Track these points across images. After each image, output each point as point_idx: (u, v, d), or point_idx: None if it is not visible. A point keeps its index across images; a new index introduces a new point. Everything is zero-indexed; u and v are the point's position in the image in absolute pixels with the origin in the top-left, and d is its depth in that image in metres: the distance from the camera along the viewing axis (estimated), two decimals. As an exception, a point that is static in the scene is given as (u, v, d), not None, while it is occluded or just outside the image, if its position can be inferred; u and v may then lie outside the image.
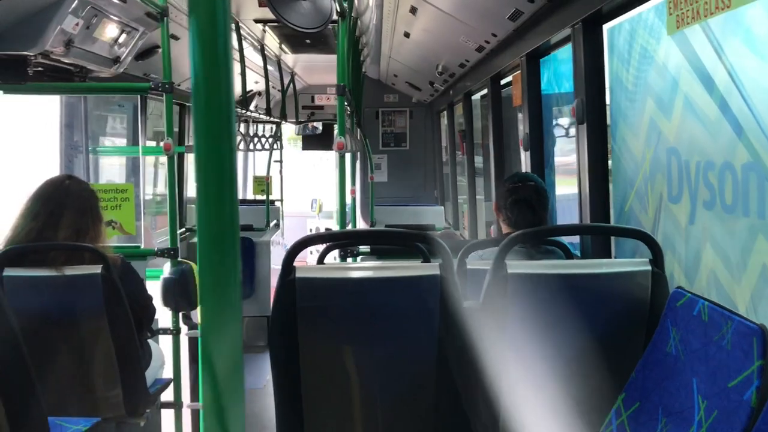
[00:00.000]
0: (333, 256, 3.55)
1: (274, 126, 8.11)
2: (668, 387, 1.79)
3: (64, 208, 2.83)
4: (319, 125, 9.27)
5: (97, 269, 2.73)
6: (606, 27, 2.89)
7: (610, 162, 2.99)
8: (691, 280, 2.35)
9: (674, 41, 2.36)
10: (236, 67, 6.57)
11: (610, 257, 2.97)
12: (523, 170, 4.44)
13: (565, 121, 3.77)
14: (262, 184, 7.63)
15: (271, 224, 7.31)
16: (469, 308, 2.06)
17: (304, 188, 12.78)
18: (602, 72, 2.93)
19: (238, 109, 8.29)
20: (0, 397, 1.97)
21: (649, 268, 2.05)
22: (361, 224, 7.91)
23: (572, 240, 3.25)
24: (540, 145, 3.81)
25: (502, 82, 4.83)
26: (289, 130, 9.99)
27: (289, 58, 7.04)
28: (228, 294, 0.85)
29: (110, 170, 5.23)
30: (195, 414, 3.96)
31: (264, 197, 7.50)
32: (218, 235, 0.84)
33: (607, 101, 2.98)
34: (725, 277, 2.16)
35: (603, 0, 2.69)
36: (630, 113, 2.78)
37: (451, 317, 2.02)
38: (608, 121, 2.98)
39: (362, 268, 2.24)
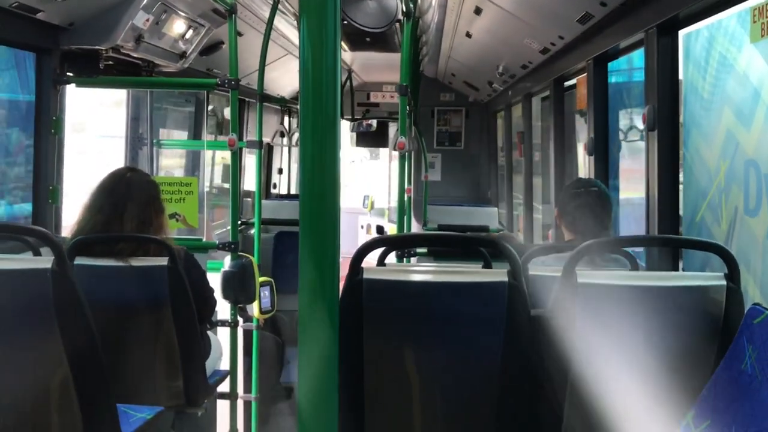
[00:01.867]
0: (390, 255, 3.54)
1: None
2: (743, 406, 1.73)
3: (127, 201, 2.86)
4: (373, 122, 9.27)
5: (164, 261, 2.78)
6: (682, 33, 2.82)
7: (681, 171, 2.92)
8: (767, 296, 2.28)
9: (758, 50, 2.29)
10: (295, 63, 6.62)
11: (677, 268, 2.90)
12: (585, 174, 4.37)
13: (626, 124, 3.69)
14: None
15: None
16: (536, 317, 2.04)
17: (353, 182, 12.80)
18: (676, 79, 2.86)
19: (294, 105, 8.37)
20: (74, 385, 2.03)
21: (725, 282, 1.99)
22: (414, 223, 7.88)
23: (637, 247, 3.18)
24: (605, 150, 3.73)
25: (566, 84, 4.75)
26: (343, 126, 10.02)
27: (347, 55, 7.07)
28: (325, 287, 0.87)
29: (166, 163, 5.32)
30: (247, 405, 4.02)
31: None
32: (319, 230, 0.86)
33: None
34: (807, 295, 2.09)
35: (680, 6, 2.62)
36: (704, 122, 2.71)
37: (518, 325, 2.00)
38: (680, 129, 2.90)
39: (429, 271, 2.23)
